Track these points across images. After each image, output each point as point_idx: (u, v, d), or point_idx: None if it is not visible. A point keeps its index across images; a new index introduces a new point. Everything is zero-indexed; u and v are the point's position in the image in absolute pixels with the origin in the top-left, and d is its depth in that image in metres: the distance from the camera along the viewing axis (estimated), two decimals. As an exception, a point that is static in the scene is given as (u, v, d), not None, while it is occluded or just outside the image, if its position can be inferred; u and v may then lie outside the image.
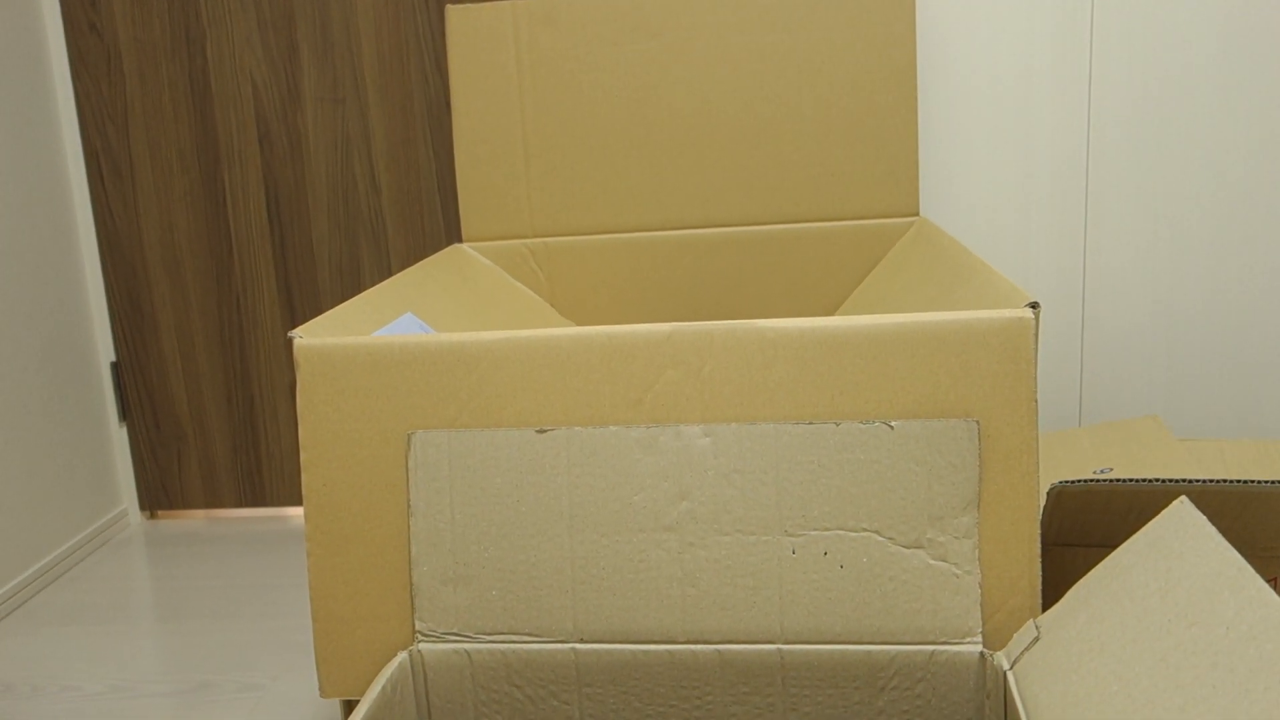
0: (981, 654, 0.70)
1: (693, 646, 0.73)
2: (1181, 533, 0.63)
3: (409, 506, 0.76)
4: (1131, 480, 0.80)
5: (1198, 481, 0.79)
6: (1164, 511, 0.65)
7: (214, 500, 1.66)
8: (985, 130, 1.31)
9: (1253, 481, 0.78)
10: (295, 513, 1.67)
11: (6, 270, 1.43)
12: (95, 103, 1.56)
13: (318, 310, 1.60)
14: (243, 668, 1.20)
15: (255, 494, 1.65)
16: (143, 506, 1.68)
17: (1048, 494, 0.82)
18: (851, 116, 1.20)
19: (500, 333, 0.75)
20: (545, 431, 0.75)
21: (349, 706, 0.80)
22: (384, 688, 0.70)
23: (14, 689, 1.18)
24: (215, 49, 1.53)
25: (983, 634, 0.71)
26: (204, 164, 1.57)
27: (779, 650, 0.72)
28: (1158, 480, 0.79)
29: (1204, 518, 0.62)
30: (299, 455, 1.63)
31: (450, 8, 1.21)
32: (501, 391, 0.75)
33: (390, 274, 1.59)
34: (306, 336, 0.77)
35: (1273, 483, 0.78)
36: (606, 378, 0.75)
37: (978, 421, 0.72)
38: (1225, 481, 0.78)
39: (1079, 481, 0.80)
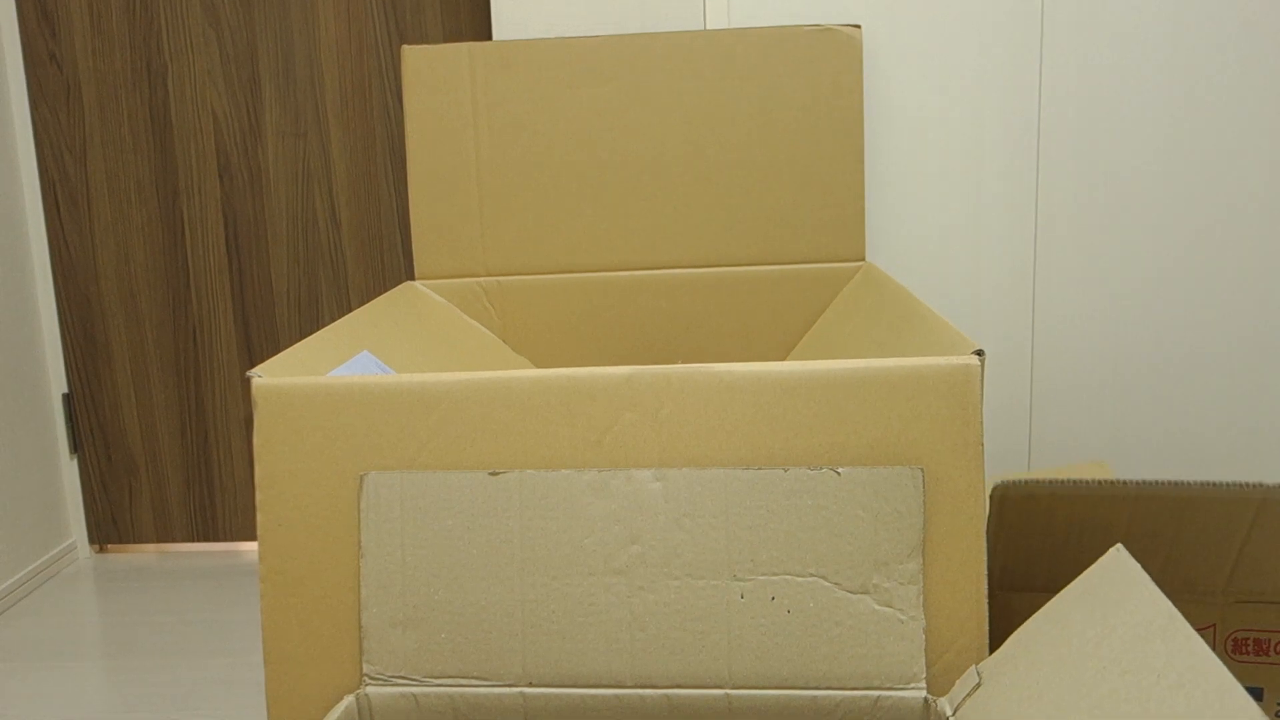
0: (925, 700, 0.71)
1: (641, 691, 0.73)
2: (1117, 580, 0.64)
3: (360, 547, 0.76)
4: (1071, 482, 0.82)
5: (1134, 482, 0.81)
6: (1101, 559, 0.67)
7: (165, 534, 1.64)
8: (934, 176, 1.34)
9: (1184, 483, 0.81)
10: (248, 548, 1.65)
11: (-43, 300, 1.42)
12: (53, 133, 1.55)
13: (275, 343, 1.59)
14: (190, 707, 1.18)
15: (207, 528, 1.64)
16: (92, 540, 1.66)
17: (991, 498, 0.83)
18: (799, 163, 1.23)
19: (460, 374, 0.76)
20: (498, 474, 0.75)
21: (296, 750, 0.79)
22: (331, 732, 0.70)
23: (-47, 729, 1.16)
24: (176, 82, 1.53)
25: (928, 679, 0.72)
26: (162, 196, 1.56)
27: (726, 695, 0.73)
28: (1096, 482, 0.81)
29: (1138, 565, 0.64)
30: (253, 490, 1.62)
31: (406, 48, 1.22)
32: (460, 433, 0.76)
33: (349, 308, 1.58)
34: (265, 375, 0.77)
35: (1203, 483, 0.80)
36: (565, 420, 0.75)
37: (923, 469, 0.74)
38: (1160, 483, 0.81)
39: (1022, 481, 0.82)
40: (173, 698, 1.20)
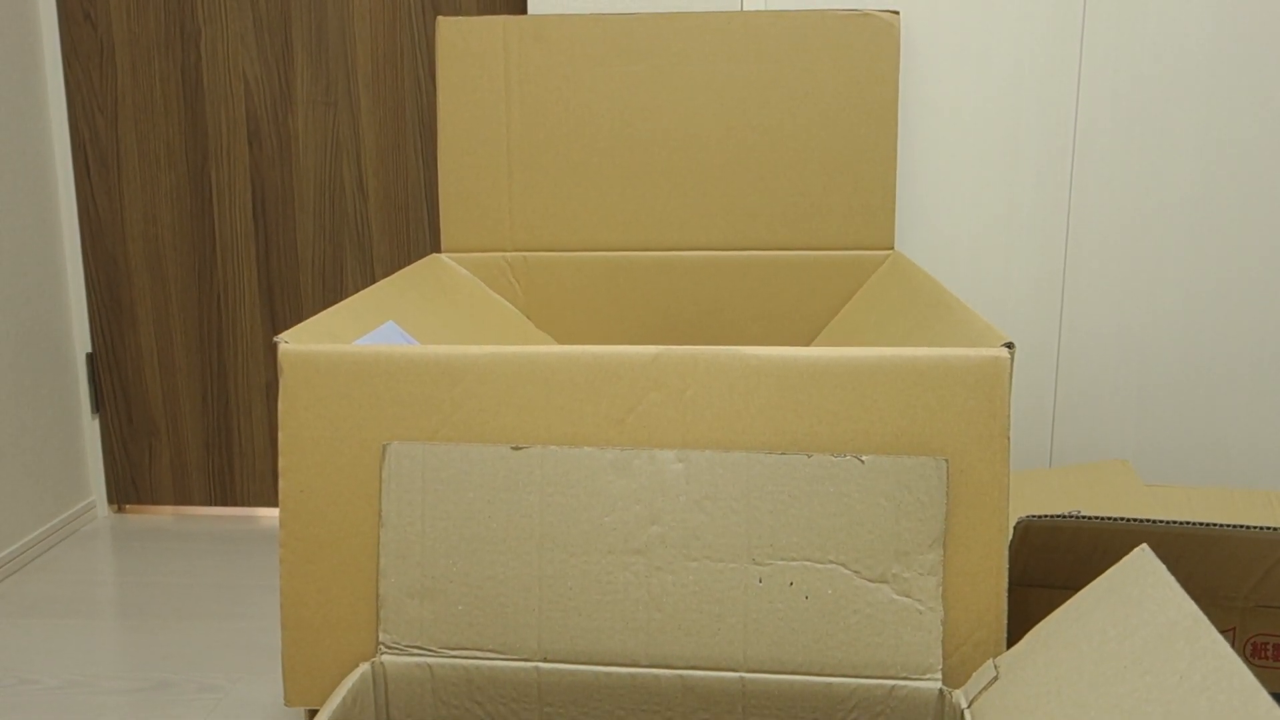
0: (940, 691, 0.71)
1: (655, 670, 0.73)
2: (1141, 580, 0.64)
3: (380, 517, 0.76)
4: (1097, 518, 0.81)
5: (1162, 522, 0.80)
6: (1125, 559, 0.67)
7: (183, 497, 1.65)
8: (967, 169, 1.32)
9: (1215, 525, 0.79)
10: (264, 513, 1.66)
11: (-14, 257, 1.42)
12: (85, 93, 1.56)
13: (298, 311, 1.60)
14: (203, 668, 1.19)
15: (225, 493, 1.65)
16: (111, 500, 1.67)
17: (1014, 528, 0.83)
18: (831, 149, 1.22)
19: (485, 347, 0.76)
20: (520, 449, 0.75)
21: (312, 715, 0.79)
22: (344, 699, 0.70)
23: (-30, 680, 1.17)
24: (209, 46, 1.53)
25: (943, 670, 0.72)
26: (192, 160, 1.56)
27: (741, 678, 0.72)
28: (1123, 520, 0.81)
29: (1163, 566, 0.64)
30: (272, 456, 1.63)
31: (441, 19, 1.21)
32: (484, 406, 0.76)
33: (373, 279, 1.59)
34: (292, 342, 0.77)
35: (1234, 526, 0.79)
36: (590, 397, 0.75)
37: (947, 460, 0.73)
38: (1189, 524, 0.80)
39: (1045, 517, 0.81)
40: (184, 659, 1.21)
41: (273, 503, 1.65)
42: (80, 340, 1.62)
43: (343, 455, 0.77)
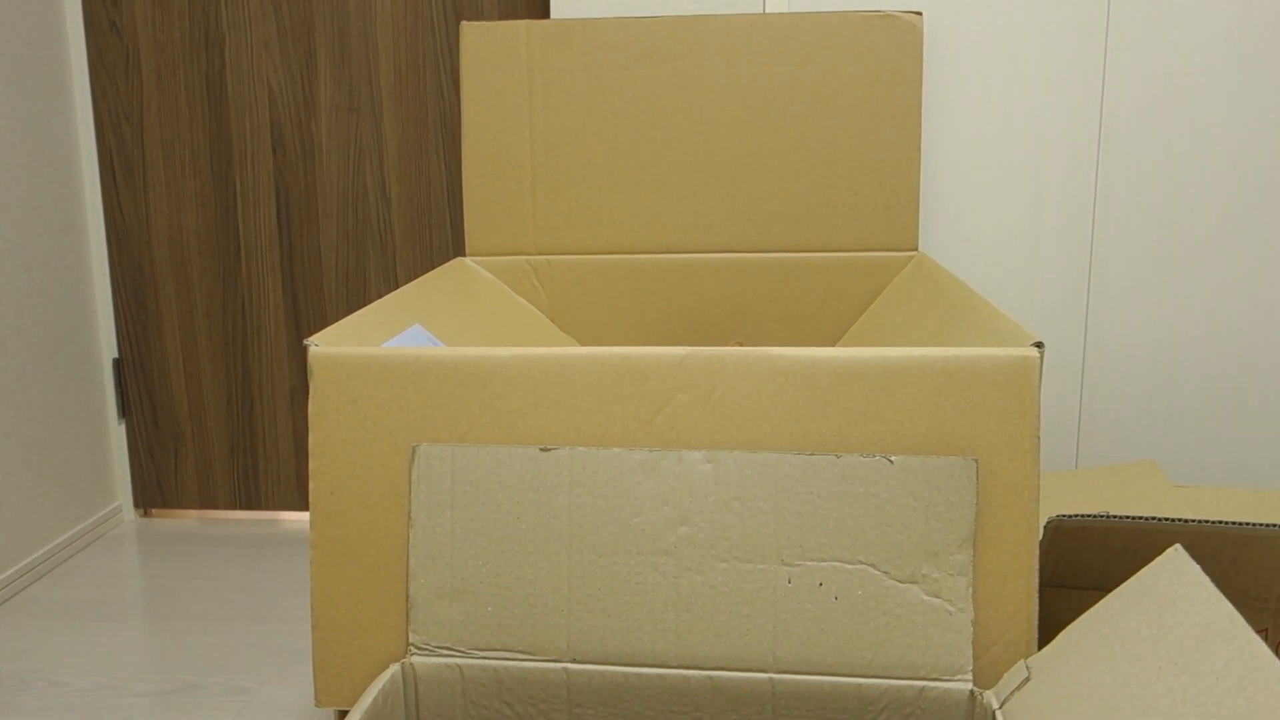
0: (971, 692, 0.70)
1: (685, 671, 0.73)
2: (1175, 580, 0.63)
3: (409, 519, 0.76)
4: (1128, 518, 0.80)
5: (1194, 522, 0.79)
6: (1158, 559, 0.66)
7: (208, 501, 1.66)
8: (991, 170, 1.32)
9: (1248, 524, 0.79)
10: (288, 517, 1.67)
11: (13, 261, 1.44)
12: (112, 101, 1.57)
13: (322, 316, 1.61)
14: (230, 670, 1.20)
15: (249, 497, 1.66)
16: (137, 504, 1.68)
17: (1044, 528, 0.82)
18: (855, 150, 1.21)
19: (514, 349, 0.76)
20: (549, 450, 0.75)
21: (342, 716, 0.80)
22: (375, 699, 0.71)
23: (1, 682, 1.18)
24: (233, 53, 1.54)
25: (974, 671, 0.72)
26: (216, 166, 1.58)
27: (770, 679, 0.72)
28: (1154, 519, 0.80)
29: (1197, 566, 0.63)
30: (296, 460, 1.64)
31: (465, 24, 1.22)
32: (513, 408, 0.76)
33: (397, 284, 1.59)
34: (322, 345, 0.78)
35: (1268, 525, 0.78)
36: (618, 398, 0.75)
37: (976, 460, 0.73)
38: (1221, 523, 0.79)
39: (1075, 516, 0.81)
40: (214, 661, 1.22)
41: (297, 506, 1.66)
42: (107, 346, 1.63)
43: (372, 456, 0.77)
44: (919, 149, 1.21)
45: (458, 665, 0.75)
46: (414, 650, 0.75)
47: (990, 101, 1.31)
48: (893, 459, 0.73)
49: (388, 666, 0.76)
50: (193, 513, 1.69)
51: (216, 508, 1.67)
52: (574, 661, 0.74)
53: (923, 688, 0.71)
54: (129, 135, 1.58)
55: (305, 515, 1.67)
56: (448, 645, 0.75)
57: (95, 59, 1.56)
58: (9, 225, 1.43)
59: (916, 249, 1.23)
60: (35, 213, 1.48)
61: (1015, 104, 1.30)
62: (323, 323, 1.61)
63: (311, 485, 0.77)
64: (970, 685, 0.71)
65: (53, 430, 1.51)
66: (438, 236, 1.57)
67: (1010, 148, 1.31)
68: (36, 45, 1.48)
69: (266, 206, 1.58)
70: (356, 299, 1.60)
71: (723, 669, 0.73)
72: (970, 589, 0.72)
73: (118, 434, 1.65)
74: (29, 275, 1.46)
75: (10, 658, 1.24)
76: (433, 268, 1.59)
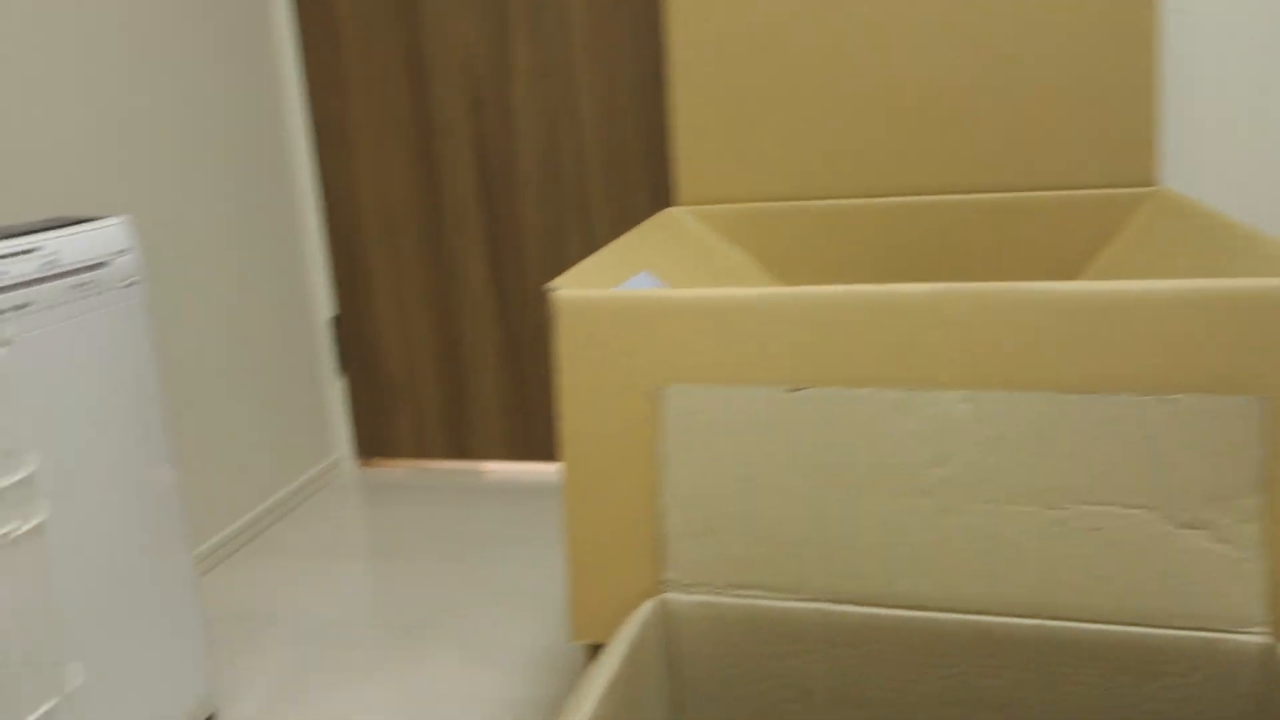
0: (1268, 645, 0.66)
1: (946, 615, 0.71)
2: None
3: (659, 458, 0.77)
4: None
5: None
6: None
7: (422, 451, 1.73)
8: (1245, 91, 1.22)
9: None
10: (495, 467, 1.72)
11: (239, 233, 1.53)
12: (319, 71, 1.64)
13: (523, 276, 1.64)
14: (461, 608, 1.25)
15: (460, 448, 1.72)
16: (357, 454, 1.77)
17: None
18: (1082, 78, 1.14)
19: (761, 289, 0.75)
20: (798, 390, 0.74)
21: (591, 651, 0.82)
22: (635, 635, 0.72)
23: (254, 616, 1.27)
24: (433, 21, 1.58)
25: (1270, 624, 0.67)
26: (419, 133, 1.62)
27: (1039, 625, 0.70)
28: None
29: None
30: (500, 415, 1.69)
31: (678, -29, 1.21)
32: (756, 347, 0.75)
33: (595, 245, 1.61)
34: (563, 289, 0.79)
35: None
36: (867, 337, 0.74)
37: (1263, 399, 0.68)
38: None
39: None
40: (445, 598, 1.27)
41: (505, 456, 1.71)
42: (324, 305, 1.72)
43: (619, 397, 0.78)
44: (1155, 73, 1.13)
45: (712, 603, 0.75)
46: (668, 586, 0.76)
47: (1239, 16, 1.21)
48: (1171, 398, 0.68)
49: (636, 604, 0.77)
50: (407, 462, 1.76)
51: (430, 458, 1.74)
52: (831, 601, 0.73)
53: (1212, 639, 0.67)
54: (335, 106, 1.64)
55: (512, 465, 1.72)
56: (701, 582, 0.76)
57: (300, 31, 1.63)
58: (231, 198, 1.51)
59: (1155, 183, 1.15)
60: (255, 187, 1.56)
61: (1264, 21, 1.20)
62: (524, 283, 1.64)
63: (563, 428, 0.78)
64: (1266, 639, 0.66)
65: (278, 388, 1.60)
66: (634, 195, 1.57)
67: (1265, 68, 1.21)
68: (248, 21, 1.56)
69: (467, 171, 1.62)
70: (555, 258, 1.62)
71: (986, 613, 0.71)
72: (1261, 536, 0.67)
73: (336, 389, 1.74)
74: (252, 245, 1.55)
75: (258, 594, 1.33)
76: (630, 226, 1.60)
